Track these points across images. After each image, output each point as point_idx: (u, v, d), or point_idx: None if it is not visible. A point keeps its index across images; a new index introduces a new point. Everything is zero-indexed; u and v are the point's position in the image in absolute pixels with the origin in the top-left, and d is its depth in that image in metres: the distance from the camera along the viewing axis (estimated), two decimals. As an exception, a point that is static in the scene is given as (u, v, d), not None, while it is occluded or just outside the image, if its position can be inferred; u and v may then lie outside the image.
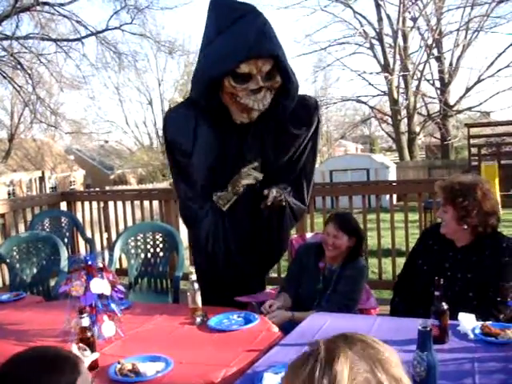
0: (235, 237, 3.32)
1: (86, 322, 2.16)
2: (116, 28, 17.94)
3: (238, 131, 3.30)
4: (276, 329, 2.43)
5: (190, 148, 3.28)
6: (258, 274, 3.59)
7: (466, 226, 2.50)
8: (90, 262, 2.41)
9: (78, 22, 17.01)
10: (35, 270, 4.04)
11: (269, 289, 3.67)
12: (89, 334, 2.15)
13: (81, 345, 2.05)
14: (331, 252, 2.90)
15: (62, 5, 16.67)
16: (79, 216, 6.25)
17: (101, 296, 2.40)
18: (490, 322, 2.18)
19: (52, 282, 4.04)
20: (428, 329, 1.64)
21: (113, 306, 2.43)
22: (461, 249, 2.57)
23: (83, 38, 17.51)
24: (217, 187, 3.31)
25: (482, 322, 2.18)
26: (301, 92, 3.37)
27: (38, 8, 16.36)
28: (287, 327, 2.48)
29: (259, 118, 3.25)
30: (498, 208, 2.55)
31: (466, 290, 2.47)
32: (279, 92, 3.22)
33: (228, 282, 3.37)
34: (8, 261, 4.00)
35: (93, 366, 2.04)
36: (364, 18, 23.32)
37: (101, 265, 2.47)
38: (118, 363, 2.04)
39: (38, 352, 1.39)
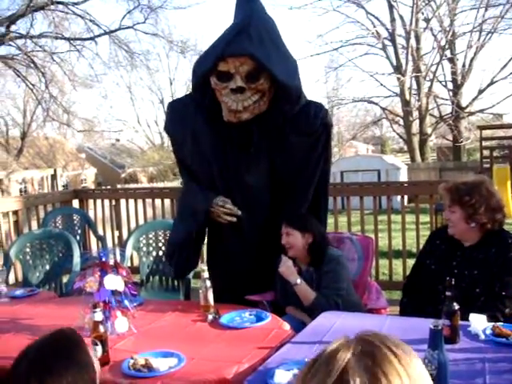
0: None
1: (98, 316, 2.18)
2: (129, 27, 18.00)
3: (234, 132, 3.13)
4: (287, 327, 2.44)
5: (185, 140, 3.22)
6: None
7: (474, 224, 2.53)
8: (103, 259, 2.44)
9: (91, 21, 17.11)
10: (48, 267, 4.08)
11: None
12: (101, 329, 2.17)
13: (93, 339, 2.09)
14: (291, 252, 2.86)
15: (75, 4, 16.76)
16: (91, 214, 6.30)
17: (114, 292, 2.44)
18: (501, 323, 2.19)
19: (64, 279, 4.08)
20: (439, 328, 1.65)
21: (126, 302, 2.45)
22: (468, 248, 2.61)
23: (96, 37, 17.59)
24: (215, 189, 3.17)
25: (492, 323, 2.18)
26: (311, 92, 3.26)
27: (52, 7, 16.46)
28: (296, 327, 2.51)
29: (256, 122, 3.08)
30: (502, 203, 2.59)
31: (472, 286, 2.51)
32: (280, 96, 3.06)
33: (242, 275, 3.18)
34: (21, 257, 4.06)
35: (105, 361, 2.08)
36: (377, 18, 23.25)
37: (113, 261, 2.50)
38: (132, 358, 2.06)
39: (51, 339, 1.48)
